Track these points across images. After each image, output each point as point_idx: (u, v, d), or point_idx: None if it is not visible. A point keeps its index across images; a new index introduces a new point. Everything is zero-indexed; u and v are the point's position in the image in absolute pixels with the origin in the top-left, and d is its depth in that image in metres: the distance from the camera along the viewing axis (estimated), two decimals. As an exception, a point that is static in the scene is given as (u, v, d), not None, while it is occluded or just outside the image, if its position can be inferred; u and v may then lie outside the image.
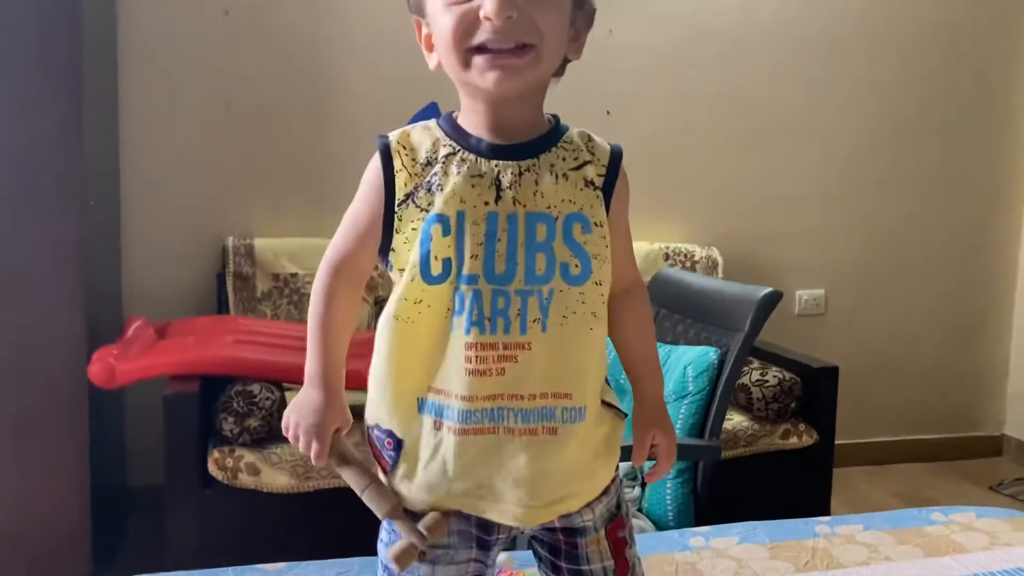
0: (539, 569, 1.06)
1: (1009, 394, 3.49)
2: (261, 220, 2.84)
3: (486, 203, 0.91)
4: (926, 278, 3.40)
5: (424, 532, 0.93)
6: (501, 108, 0.93)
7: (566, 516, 0.99)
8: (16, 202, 2.21)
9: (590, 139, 1.00)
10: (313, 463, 0.98)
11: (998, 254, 3.45)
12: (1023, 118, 3.41)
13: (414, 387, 0.94)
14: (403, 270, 0.93)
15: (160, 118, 2.76)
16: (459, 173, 0.92)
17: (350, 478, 0.97)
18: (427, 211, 0.91)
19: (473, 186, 0.91)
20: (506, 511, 0.95)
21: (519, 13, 0.86)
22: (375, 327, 0.97)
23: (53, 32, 2.21)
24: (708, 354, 1.91)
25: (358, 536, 1.55)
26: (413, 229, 0.92)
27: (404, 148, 0.94)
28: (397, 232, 0.93)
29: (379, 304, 2.80)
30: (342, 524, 1.85)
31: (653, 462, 1.07)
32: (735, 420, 2.52)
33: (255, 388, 2.25)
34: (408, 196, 0.92)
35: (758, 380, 2.55)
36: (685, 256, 3.06)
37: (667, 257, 3.03)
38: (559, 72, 0.98)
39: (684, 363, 1.94)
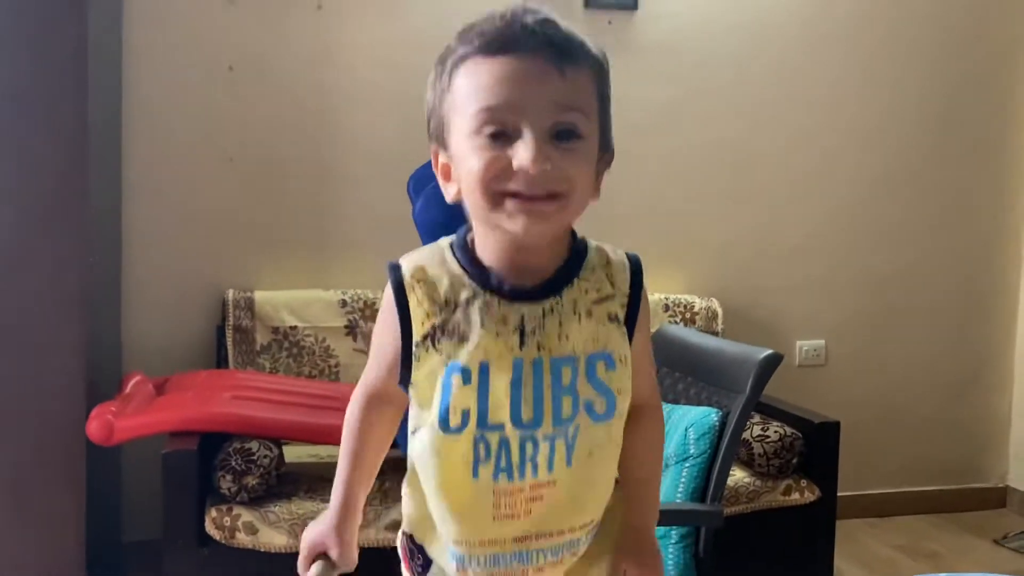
0: None
1: (1012, 445, 3.47)
2: (262, 273, 2.84)
3: (511, 349, 0.89)
4: (927, 328, 3.40)
5: None
6: (524, 248, 0.90)
7: None
8: (18, 255, 2.23)
9: (608, 262, 0.96)
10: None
11: (998, 304, 3.46)
12: None
13: (440, 530, 0.96)
14: (422, 406, 0.92)
15: (163, 171, 2.77)
16: (482, 323, 0.89)
17: None
18: (449, 359, 0.89)
19: (498, 335, 0.89)
20: None
21: (552, 164, 0.84)
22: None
23: (59, 90, 2.24)
24: (709, 416, 1.90)
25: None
26: (431, 372, 0.90)
27: (419, 283, 0.91)
28: (416, 370, 0.91)
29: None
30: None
31: None
32: (736, 476, 2.50)
33: (253, 445, 2.23)
34: (427, 337, 0.90)
35: (759, 435, 2.53)
36: (685, 307, 3.06)
37: (667, 308, 3.03)
38: None
39: (685, 424, 1.93)
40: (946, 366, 3.42)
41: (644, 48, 3.07)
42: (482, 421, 0.88)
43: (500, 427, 0.89)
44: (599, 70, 0.89)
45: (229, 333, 2.70)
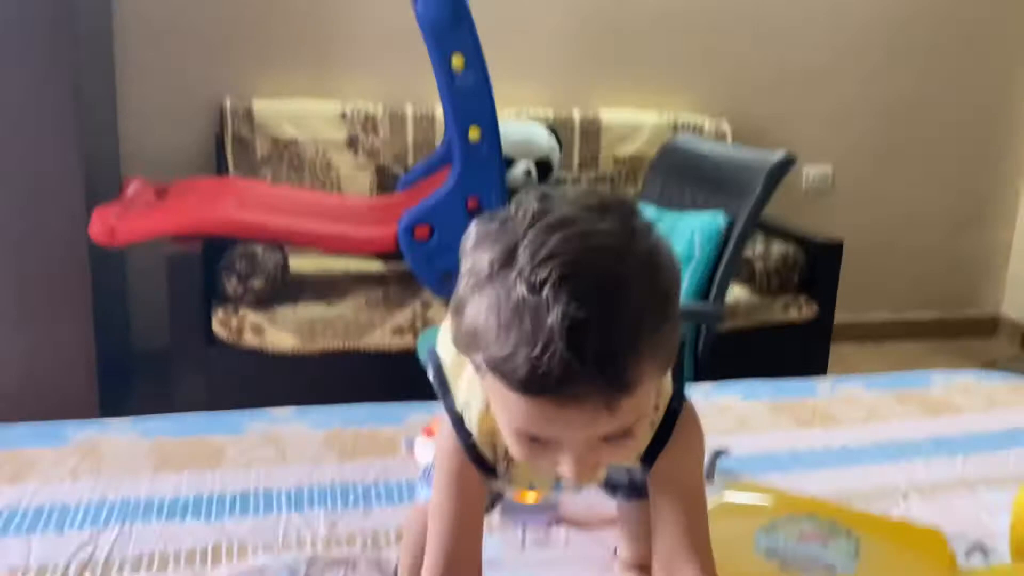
0: None
1: (1009, 275, 3.49)
2: (260, 80, 2.76)
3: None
4: (935, 160, 3.35)
5: None
6: None
7: None
8: (9, 64, 2.15)
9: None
10: None
11: (1008, 138, 3.40)
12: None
13: None
14: None
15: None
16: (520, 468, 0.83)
17: None
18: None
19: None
20: None
21: (601, 461, 0.72)
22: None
23: None
24: (716, 218, 1.89)
25: (366, 397, 1.57)
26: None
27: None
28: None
29: (380, 172, 2.76)
30: (349, 385, 1.87)
31: None
32: (736, 292, 2.52)
33: (258, 250, 2.24)
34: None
35: (761, 253, 2.54)
36: (694, 128, 3.00)
37: (676, 128, 2.98)
38: None
39: (692, 228, 1.93)
40: (952, 199, 3.40)
41: None
42: None
43: None
44: (667, 361, 0.70)
45: (229, 143, 2.65)
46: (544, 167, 2.66)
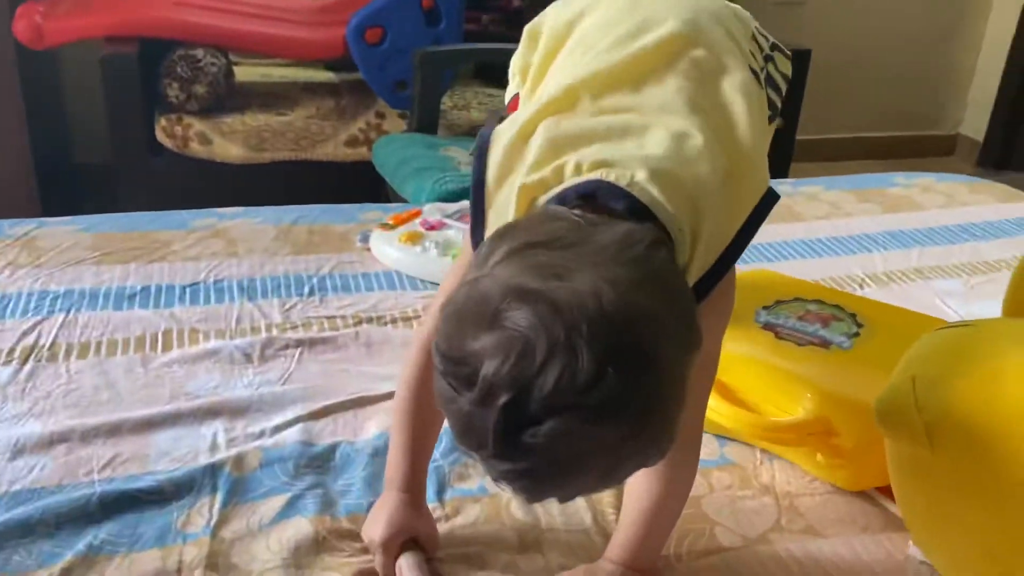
0: None
1: (971, 96, 3.46)
2: None
3: None
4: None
5: None
6: None
7: None
8: None
9: None
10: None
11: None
12: None
13: None
14: None
15: None
16: None
17: None
18: None
19: None
20: None
21: None
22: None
23: None
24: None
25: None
26: None
27: None
28: None
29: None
30: (302, 195, 1.80)
31: None
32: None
33: (199, 53, 2.11)
34: None
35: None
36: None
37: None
38: None
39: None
40: (920, 17, 3.30)
41: None
42: None
43: None
44: None
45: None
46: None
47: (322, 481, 0.85)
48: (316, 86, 2.40)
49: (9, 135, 2.20)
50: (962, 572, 0.75)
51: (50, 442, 0.86)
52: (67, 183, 2.54)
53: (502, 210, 0.66)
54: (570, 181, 0.63)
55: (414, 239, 1.26)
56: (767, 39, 0.84)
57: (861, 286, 1.26)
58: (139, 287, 1.15)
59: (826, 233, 1.44)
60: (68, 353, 1.01)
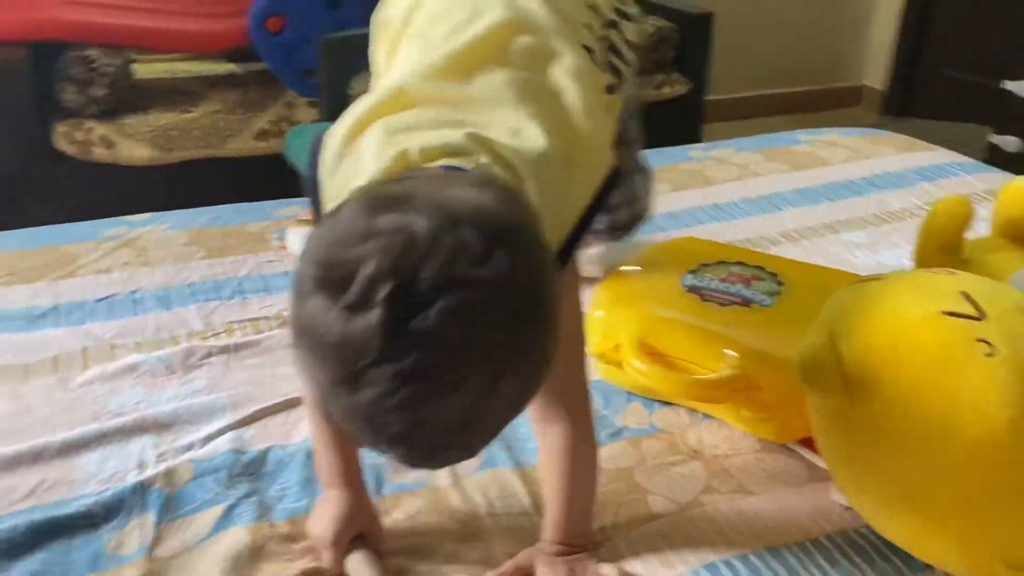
0: None
1: (871, 47, 3.56)
2: None
3: None
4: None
5: None
6: None
7: None
8: None
9: None
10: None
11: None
12: None
13: None
14: None
15: None
16: None
17: None
18: None
19: None
20: None
21: None
22: None
23: None
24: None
25: (235, 203, 1.48)
26: None
27: None
28: None
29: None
30: (214, 193, 1.76)
31: None
32: (611, 72, 2.48)
33: (93, 54, 2.02)
34: None
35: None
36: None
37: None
38: None
39: None
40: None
41: None
42: None
43: None
44: None
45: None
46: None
47: (257, 488, 0.84)
48: (219, 79, 2.34)
49: None
50: (883, 516, 0.78)
51: (-32, 476, 0.83)
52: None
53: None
54: (418, 168, 0.62)
55: (332, 233, 1.25)
56: (614, 8, 0.84)
57: (775, 245, 1.30)
58: (49, 306, 1.12)
59: (739, 195, 1.47)
60: (-21, 382, 0.98)
